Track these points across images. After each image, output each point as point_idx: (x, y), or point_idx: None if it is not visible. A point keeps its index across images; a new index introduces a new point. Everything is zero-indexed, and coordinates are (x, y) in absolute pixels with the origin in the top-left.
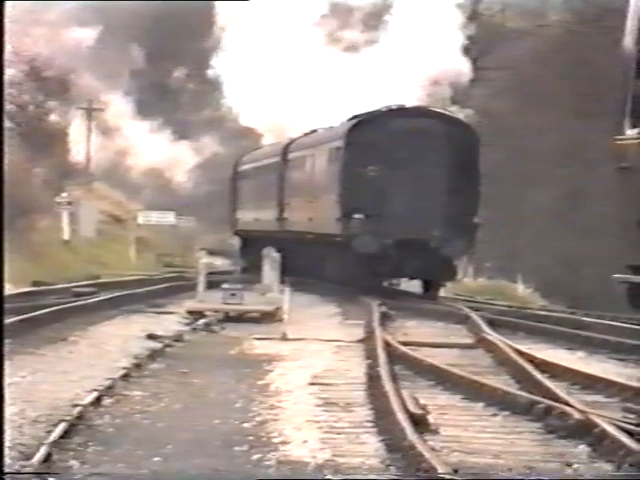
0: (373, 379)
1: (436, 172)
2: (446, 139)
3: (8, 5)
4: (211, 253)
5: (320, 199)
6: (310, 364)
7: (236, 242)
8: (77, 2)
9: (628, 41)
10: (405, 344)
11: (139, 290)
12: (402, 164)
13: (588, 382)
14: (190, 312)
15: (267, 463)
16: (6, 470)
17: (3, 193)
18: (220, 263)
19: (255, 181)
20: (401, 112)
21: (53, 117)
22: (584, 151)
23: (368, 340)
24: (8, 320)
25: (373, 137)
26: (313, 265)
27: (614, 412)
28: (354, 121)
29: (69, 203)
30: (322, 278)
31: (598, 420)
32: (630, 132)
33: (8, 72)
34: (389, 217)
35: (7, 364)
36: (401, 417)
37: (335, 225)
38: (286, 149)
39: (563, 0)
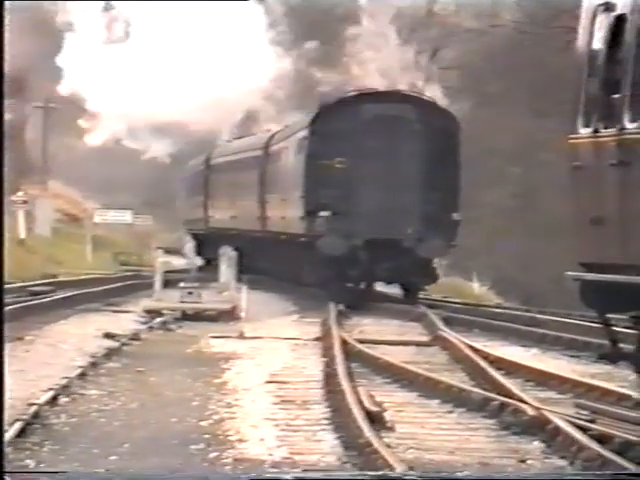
0: (330, 377)
1: (411, 163)
2: (422, 126)
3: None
4: (168, 252)
5: (290, 195)
6: (267, 362)
7: (189, 240)
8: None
9: (581, 41)
10: (362, 342)
11: (96, 289)
12: (373, 155)
13: (542, 379)
14: (147, 311)
15: (224, 461)
16: (6, 470)
17: (3, 193)
18: (177, 262)
19: (233, 176)
20: (372, 96)
21: (8, 115)
22: (538, 150)
23: (325, 338)
24: None
25: (340, 125)
26: (289, 268)
27: (567, 408)
28: (320, 107)
29: (25, 202)
30: (296, 282)
31: (552, 416)
32: (583, 131)
33: None
34: (358, 214)
35: None
36: (358, 414)
37: (299, 224)
38: (269, 141)
39: (516, 1)
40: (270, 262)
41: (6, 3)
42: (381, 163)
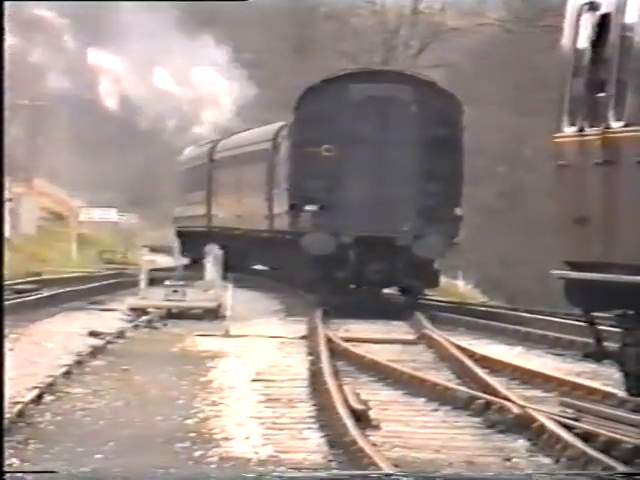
0: (315, 375)
1: (407, 151)
2: (420, 109)
3: None
4: (154, 250)
5: (281, 189)
6: (253, 360)
7: (175, 241)
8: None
9: (566, 40)
10: (347, 340)
11: (80, 287)
12: (364, 141)
13: (527, 377)
14: (132, 309)
15: (209, 459)
16: (6, 470)
17: (3, 192)
18: (162, 260)
19: (240, 170)
20: (363, 76)
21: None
22: (523, 149)
23: (311, 336)
24: None
25: (327, 108)
26: (284, 270)
27: (552, 407)
28: (304, 89)
29: (9, 200)
30: (291, 284)
31: (537, 415)
32: (568, 130)
33: None
34: (348, 209)
35: None
36: (343, 413)
37: (285, 220)
38: (279, 132)
39: None
40: (274, 264)
41: (6, 3)
42: (374, 151)
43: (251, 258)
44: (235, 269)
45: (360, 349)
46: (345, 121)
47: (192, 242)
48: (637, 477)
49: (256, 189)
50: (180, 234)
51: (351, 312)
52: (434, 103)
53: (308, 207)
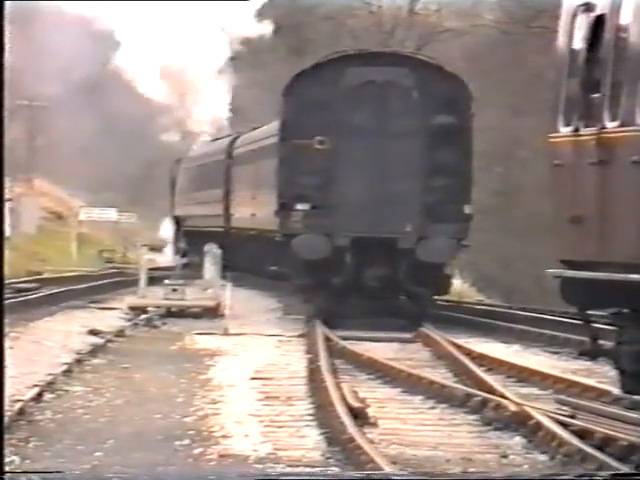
0: (314, 373)
1: (409, 142)
2: (423, 95)
3: None
4: (153, 249)
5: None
6: (251, 359)
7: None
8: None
9: (561, 41)
10: (345, 338)
11: (80, 286)
12: (361, 132)
13: (523, 375)
14: (132, 308)
15: (208, 457)
16: (6, 470)
17: (3, 192)
18: (162, 259)
19: (256, 166)
20: (359, 58)
21: None
22: (519, 149)
23: (309, 334)
24: None
25: (320, 94)
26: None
27: (548, 404)
28: (294, 75)
29: (9, 199)
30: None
31: (533, 412)
32: (564, 130)
33: None
34: (344, 207)
35: None
36: (341, 410)
37: (273, 219)
38: None
39: (497, 1)
40: (281, 265)
41: (6, 3)
42: (372, 142)
43: (265, 260)
44: (252, 271)
45: (358, 347)
46: (340, 109)
47: (201, 244)
48: (630, 477)
49: (270, 186)
50: (188, 235)
51: (353, 323)
52: (438, 88)
53: (299, 206)
